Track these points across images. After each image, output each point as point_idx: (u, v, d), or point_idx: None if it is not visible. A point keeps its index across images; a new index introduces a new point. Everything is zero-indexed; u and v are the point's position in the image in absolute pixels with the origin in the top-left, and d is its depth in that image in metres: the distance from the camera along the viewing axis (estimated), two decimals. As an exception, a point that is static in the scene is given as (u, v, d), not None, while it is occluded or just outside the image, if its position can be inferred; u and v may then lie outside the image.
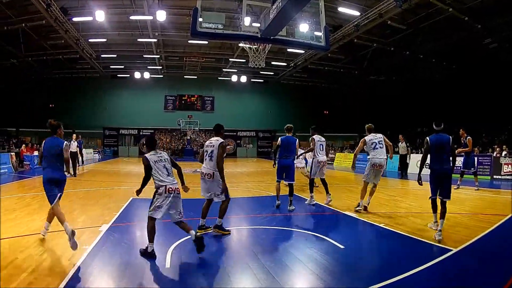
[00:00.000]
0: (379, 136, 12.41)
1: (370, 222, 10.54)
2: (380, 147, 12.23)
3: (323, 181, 14.33)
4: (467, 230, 9.31)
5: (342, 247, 8.10)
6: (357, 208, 12.10)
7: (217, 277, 6.67)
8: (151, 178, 8.21)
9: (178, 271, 6.94)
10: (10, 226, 9.93)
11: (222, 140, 10.28)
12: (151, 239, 7.68)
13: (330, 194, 14.06)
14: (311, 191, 14.20)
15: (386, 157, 12.26)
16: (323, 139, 14.67)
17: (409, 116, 44.61)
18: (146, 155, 8.18)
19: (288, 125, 13.48)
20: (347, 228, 10.32)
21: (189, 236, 8.00)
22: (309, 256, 7.64)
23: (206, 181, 10.47)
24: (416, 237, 8.72)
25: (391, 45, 36.70)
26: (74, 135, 24.62)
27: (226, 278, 6.58)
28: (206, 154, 10.54)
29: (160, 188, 8.11)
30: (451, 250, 7.69)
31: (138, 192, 8.49)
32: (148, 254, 7.42)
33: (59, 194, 8.79)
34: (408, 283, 6.14)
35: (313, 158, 14.44)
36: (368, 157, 12.39)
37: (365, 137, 12.59)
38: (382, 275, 6.40)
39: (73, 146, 24.09)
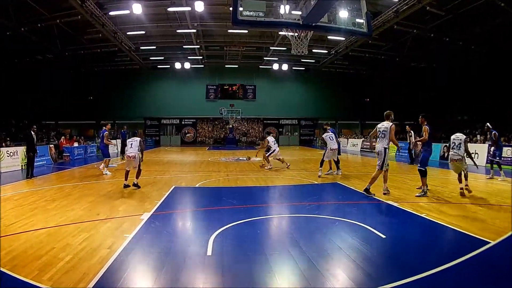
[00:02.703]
0: (385, 125, 13.10)
1: (411, 211, 10.42)
2: (382, 137, 13.04)
3: (336, 161, 19.10)
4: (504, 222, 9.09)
5: (383, 236, 8.07)
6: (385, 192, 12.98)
7: (258, 264, 6.68)
8: None
9: (219, 259, 6.95)
10: (49, 216, 10.17)
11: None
12: None
13: (340, 170, 19.04)
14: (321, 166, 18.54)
15: (385, 146, 12.83)
16: (333, 131, 19.41)
17: (449, 103, 43.79)
18: None
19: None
20: (388, 217, 10.23)
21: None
22: (350, 245, 7.61)
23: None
24: (456, 228, 8.60)
25: (431, 31, 35.96)
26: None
27: (267, 266, 6.60)
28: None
29: None
30: (490, 242, 7.56)
31: None
32: None
33: None
34: (446, 275, 6.07)
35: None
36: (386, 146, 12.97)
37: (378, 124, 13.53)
38: (421, 266, 6.32)
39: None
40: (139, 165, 14.83)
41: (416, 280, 5.82)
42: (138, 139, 15.00)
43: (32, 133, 18.67)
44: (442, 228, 8.79)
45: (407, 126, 27.12)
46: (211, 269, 6.52)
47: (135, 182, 14.77)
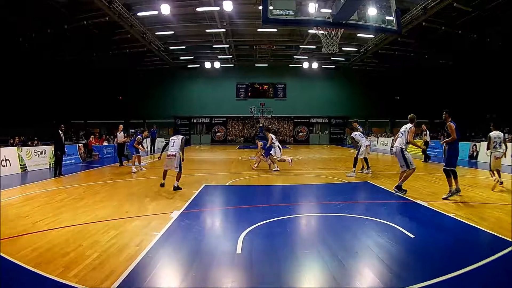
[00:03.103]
0: (406, 126, 12.90)
1: (440, 211, 10.24)
2: (400, 136, 13.00)
3: (366, 159, 18.92)
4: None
5: (412, 236, 7.95)
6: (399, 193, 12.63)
7: (287, 262, 6.63)
8: None
9: (249, 257, 6.93)
10: (77, 214, 10.25)
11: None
12: None
13: (370, 169, 18.85)
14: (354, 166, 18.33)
15: (401, 146, 12.76)
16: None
17: (477, 101, 43.10)
18: None
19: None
20: (417, 217, 10.04)
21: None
22: (379, 244, 7.53)
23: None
24: (484, 229, 8.43)
25: (458, 28, 35.40)
26: (121, 125, 24.11)
27: (296, 264, 6.57)
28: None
29: None
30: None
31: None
32: None
33: None
34: (473, 276, 5.97)
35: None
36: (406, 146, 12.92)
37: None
38: (449, 266, 6.22)
39: (120, 137, 23.70)
40: (180, 166, 14.36)
41: (443, 281, 5.73)
42: (181, 137, 14.62)
43: (60, 132, 18.90)
44: (470, 228, 8.64)
45: (423, 125, 26.79)
46: (240, 268, 6.50)
47: (176, 185, 14.30)
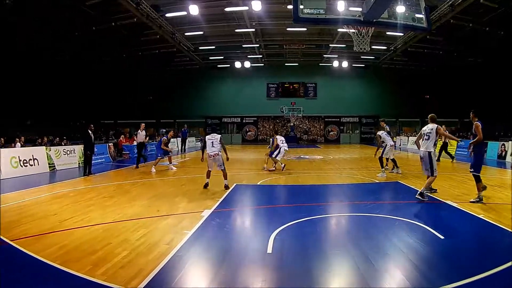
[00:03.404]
0: (430, 127, 12.21)
1: (469, 212, 10.04)
2: (426, 139, 12.19)
3: (394, 160, 18.82)
4: None
5: (441, 237, 7.82)
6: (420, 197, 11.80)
7: (318, 262, 6.60)
8: None
9: (279, 257, 6.88)
10: (106, 212, 10.35)
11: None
12: None
13: (399, 168, 18.70)
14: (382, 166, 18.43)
15: (429, 150, 12.07)
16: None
17: (507, 100, 42.37)
18: None
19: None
20: (447, 218, 9.91)
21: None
22: (408, 245, 7.45)
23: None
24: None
25: (486, 25, 34.88)
26: (143, 124, 23.17)
27: (326, 264, 6.56)
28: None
29: None
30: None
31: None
32: None
33: None
34: (501, 278, 5.86)
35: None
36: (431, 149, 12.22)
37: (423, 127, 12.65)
38: (477, 268, 6.11)
39: (140, 136, 22.78)
40: (224, 165, 14.54)
41: (471, 282, 5.64)
42: (219, 136, 14.62)
43: (90, 132, 19.16)
44: (499, 230, 8.44)
45: (443, 126, 26.58)
46: (271, 267, 6.46)
47: (226, 184, 14.50)
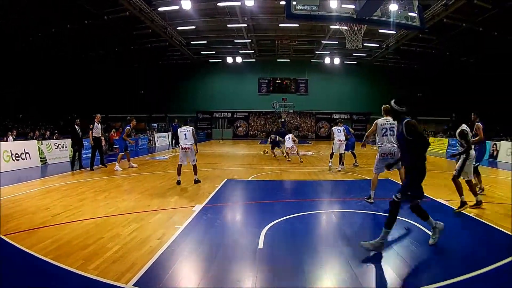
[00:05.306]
0: (393, 121, 10.35)
1: (463, 212, 9.99)
2: (391, 134, 10.96)
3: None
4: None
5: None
6: (368, 200, 11.31)
7: (309, 258, 6.63)
8: None
9: (270, 252, 6.94)
10: (98, 207, 10.37)
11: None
12: None
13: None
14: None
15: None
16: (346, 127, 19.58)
17: (498, 99, 42.47)
18: None
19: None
20: (439, 216, 9.87)
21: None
22: (400, 243, 7.56)
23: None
24: (504, 230, 8.31)
25: (479, 25, 35.03)
26: (98, 115, 20.16)
27: (318, 260, 6.61)
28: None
29: None
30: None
31: None
32: None
33: None
34: (492, 277, 5.94)
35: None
36: (377, 144, 11.33)
37: (378, 120, 11.44)
38: (469, 266, 6.21)
39: (97, 130, 19.68)
40: (196, 159, 14.52)
41: (462, 281, 5.72)
42: (191, 128, 14.48)
43: (76, 127, 19.00)
44: (490, 229, 8.55)
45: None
46: (262, 262, 6.49)
47: (196, 179, 14.51)
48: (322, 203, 11.74)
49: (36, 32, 36.09)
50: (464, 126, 10.51)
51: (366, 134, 12.35)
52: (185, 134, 14.30)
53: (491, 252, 7.00)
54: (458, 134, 10.52)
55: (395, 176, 15.60)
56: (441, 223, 7.50)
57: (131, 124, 19.67)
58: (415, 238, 7.84)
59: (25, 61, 40.02)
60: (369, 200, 11.25)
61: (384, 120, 11.09)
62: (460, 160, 10.56)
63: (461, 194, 10.16)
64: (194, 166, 14.59)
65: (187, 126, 14.60)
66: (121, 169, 18.56)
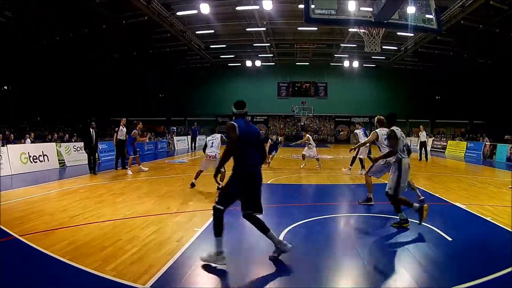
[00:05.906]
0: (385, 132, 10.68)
1: (478, 215, 10.06)
2: (387, 145, 10.43)
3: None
4: None
5: (450, 239, 7.86)
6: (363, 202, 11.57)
7: (327, 262, 6.65)
8: None
9: (288, 255, 6.81)
10: (116, 209, 10.43)
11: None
12: None
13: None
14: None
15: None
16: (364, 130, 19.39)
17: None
18: None
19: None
20: (456, 220, 9.87)
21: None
22: (417, 246, 7.51)
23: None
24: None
25: (496, 27, 34.67)
26: (124, 119, 20.86)
27: (335, 264, 6.62)
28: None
29: None
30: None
31: None
32: None
33: None
34: (509, 279, 5.86)
35: None
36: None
37: (377, 131, 11.79)
38: (485, 269, 6.13)
39: (122, 133, 20.18)
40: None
41: (479, 284, 5.66)
42: (219, 135, 14.44)
43: (91, 130, 18.58)
44: (507, 232, 8.45)
45: (420, 126, 26.68)
46: (279, 266, 6.47)
47: (220, 186, 13.58)
48: (341, 207, 11.85)
49: (54, 36, 36.63)
50: None
51: (364, 141, 12.72)
52: (212, 142, 14.24)
53: (507, 255, 6.91)
54: None
55: (414, 181, 15.59)
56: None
57: (137, 128, 19.77)
58: (431, 241, 7.77)
59: (42, 65, 40.54)
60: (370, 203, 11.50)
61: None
62: None
63: None
64: (222, 174, 14.00)
65: (215, 134, 14.56)
66: (131, 173, 18.45)
